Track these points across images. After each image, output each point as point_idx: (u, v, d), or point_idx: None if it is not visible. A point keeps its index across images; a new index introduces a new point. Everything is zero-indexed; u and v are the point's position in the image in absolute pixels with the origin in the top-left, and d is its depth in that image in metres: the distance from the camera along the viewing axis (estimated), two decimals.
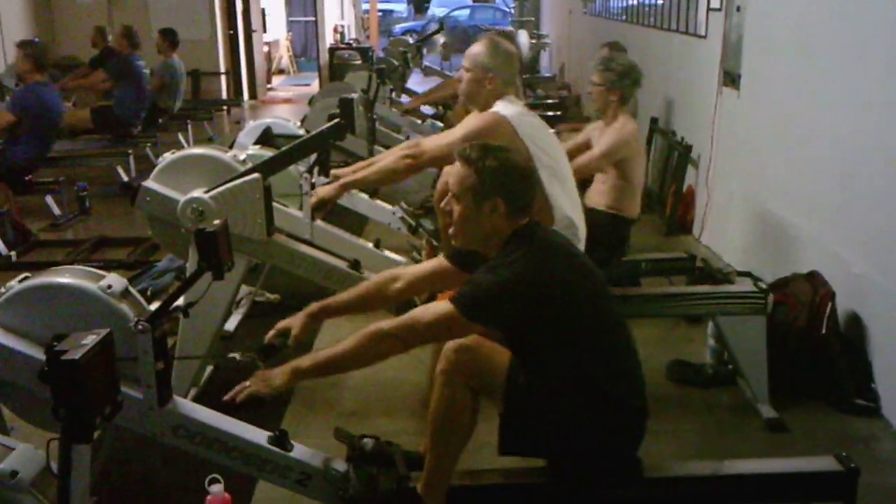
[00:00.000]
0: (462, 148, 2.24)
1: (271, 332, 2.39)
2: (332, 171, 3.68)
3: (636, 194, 3.90)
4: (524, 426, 2.11)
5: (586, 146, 3.96)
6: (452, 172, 2.19)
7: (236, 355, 2.48)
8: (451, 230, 2.23)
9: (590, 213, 3.57)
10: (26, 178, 6.12)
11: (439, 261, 2.51)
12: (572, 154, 3.91)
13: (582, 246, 2.94)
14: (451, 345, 2.12)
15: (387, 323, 2.16)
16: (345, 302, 2.53)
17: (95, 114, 7.25)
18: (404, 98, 8.36)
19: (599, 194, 3.88)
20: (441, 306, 2.10)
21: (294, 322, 2.40)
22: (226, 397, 2.16)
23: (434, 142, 3.37)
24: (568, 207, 2.97)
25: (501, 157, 2.17)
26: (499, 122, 3.05)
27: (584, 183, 3.91)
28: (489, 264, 2.12)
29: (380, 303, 2.61)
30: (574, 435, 2.10)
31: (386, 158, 3.46)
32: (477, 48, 3.21)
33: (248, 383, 2.16)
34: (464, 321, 2.05)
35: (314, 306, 2.46)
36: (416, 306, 2.51)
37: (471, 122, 3.24)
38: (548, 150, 3.02)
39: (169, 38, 8.33)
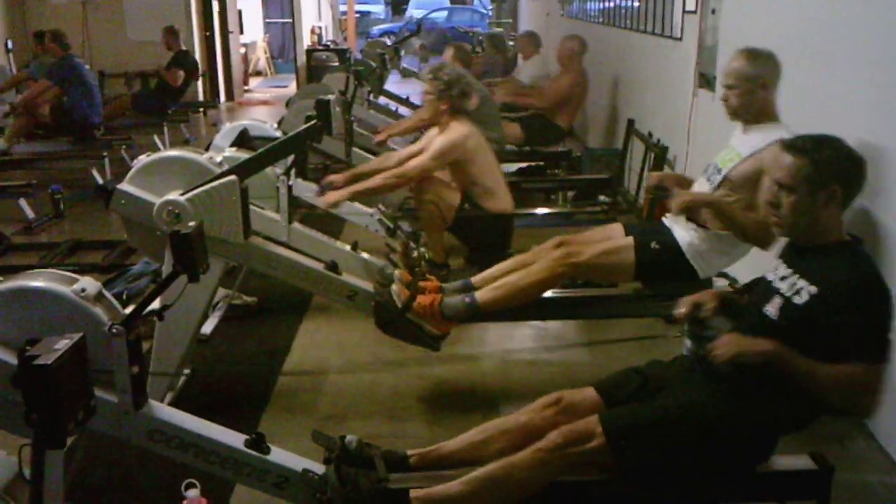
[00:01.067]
0: (788, 140, 2.24)
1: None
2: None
3: (495, 191, 4.22)
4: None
5: (420, 152, 4.29)
6: (780, 165, 2.18)
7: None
8: (777, 221, 2.21)
9: (473, 210, 4.21)
10: None
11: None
12: (409, 159, 4.28)
13: None
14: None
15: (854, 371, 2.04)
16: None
17: (53, 112, 7.16)
18: (382, 100, 8.34)
19: (477, 194, 4.23)
20: (861, 368, 2.02)
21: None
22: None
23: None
24: None
25: (835, 144, 2.17)
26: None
27: None
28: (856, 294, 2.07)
29: None
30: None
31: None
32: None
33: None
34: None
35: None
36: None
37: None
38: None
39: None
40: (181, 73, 8.60)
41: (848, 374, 2.01)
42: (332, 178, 4.34)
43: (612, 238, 3.28)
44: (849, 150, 2.18)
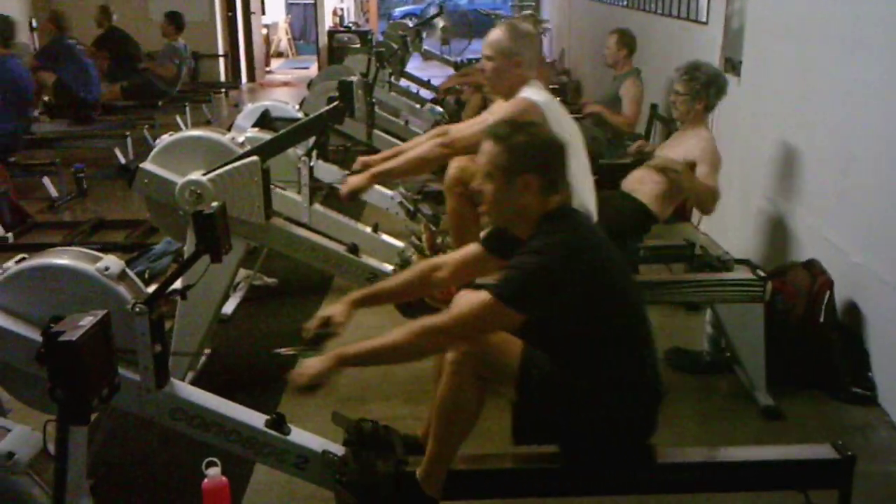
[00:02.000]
0: (491, 126, 2.22)
1: (313, 322, 2.35)
2: (360, 159, 3.54)
3: (674, 201, 3.72)
4: (539, 415, 2.10)
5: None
6: (482, 152, 2.16)
7: (284, 350, 2.46)
8: (483, 209, 2.20)
9: (623, 197, 3.66)
10: (10, 158, 6.07)
11: (473, 247, 2.46)
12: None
13: None
14: None
15: (433, 318, 2.11)
16: (387, 290, 2.50)
17: (55, 91, 7.21)
18: (403, 82, 8.32)
19: (642, 184, 3.68)
20: (481, 296, 2.05)
21: (336, 310, 2.36)
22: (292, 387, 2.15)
23: (465, 129, 3.36)
24: (585, 196, 2.97)
25: (531, 132, 2.15)
26: (530, 107, 3.02)
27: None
28: (529, 247, 2.07)
29: (424, 291, 2.59)
30: (591, 421, 2.10)
31: (417, 148, 3.42)
32: (496, 34, 3.14)
33: (297, 373, 2.14)
34: (505, 310, 2.01)
35: (356, 294, 2.42)
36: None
37: (501, 108, 3.22)
38: (569, 139, 2.99)
39: (175, 21, 8.40)
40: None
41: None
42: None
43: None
44: (544, 136, 2.15)
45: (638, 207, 3.59)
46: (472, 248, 2.47)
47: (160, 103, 8.19)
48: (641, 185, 3.65)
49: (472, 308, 2.06)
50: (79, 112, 7.29)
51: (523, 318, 2.04)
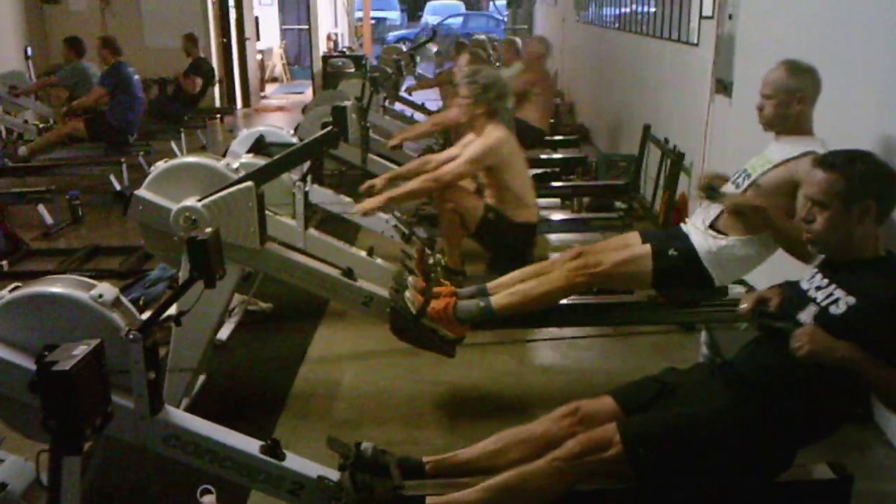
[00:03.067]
0: (821, 156, 2.23)
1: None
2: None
3: (522, 199, 4.20)
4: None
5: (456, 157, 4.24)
6: (812, 181, 2.17)
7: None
8: (810, 237, 2.20)
9: (498, 218, 4.17)
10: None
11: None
12: (443, 163, 4.24)
13: None
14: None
15: None
16: None
17: (90, 122, 7.24)
18: (397, 106, 8.36)
19: (499, 202, 4.20)
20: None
21: None
22: None
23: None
24: None
25: (868, 159, 2.16)
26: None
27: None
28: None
29: None
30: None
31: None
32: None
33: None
34: None
35: None
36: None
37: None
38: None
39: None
40: (199, 80, 8.64)
41: None
42: (372, 182, 4.33)
43: (629, 246, 3.27)
44: (882, 165, 2.17)
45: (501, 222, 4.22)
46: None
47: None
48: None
49: None
50: (115, 139, 7.30)
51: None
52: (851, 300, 2.08)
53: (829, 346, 2.00)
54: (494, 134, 4.11)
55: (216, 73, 9.57)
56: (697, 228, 3.18)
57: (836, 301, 2.11)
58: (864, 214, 2.11)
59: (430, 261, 3.40)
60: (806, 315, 2.16)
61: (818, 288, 2.19)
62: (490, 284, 3.32)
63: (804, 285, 2.26)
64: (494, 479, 2.15)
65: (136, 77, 7.53)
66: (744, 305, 2.38)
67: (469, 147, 4.18)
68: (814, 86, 3.05)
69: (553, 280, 3.13)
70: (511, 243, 4.20)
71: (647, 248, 3.18)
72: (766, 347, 2.23)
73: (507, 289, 3.22)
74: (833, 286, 2.15)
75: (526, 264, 3.49)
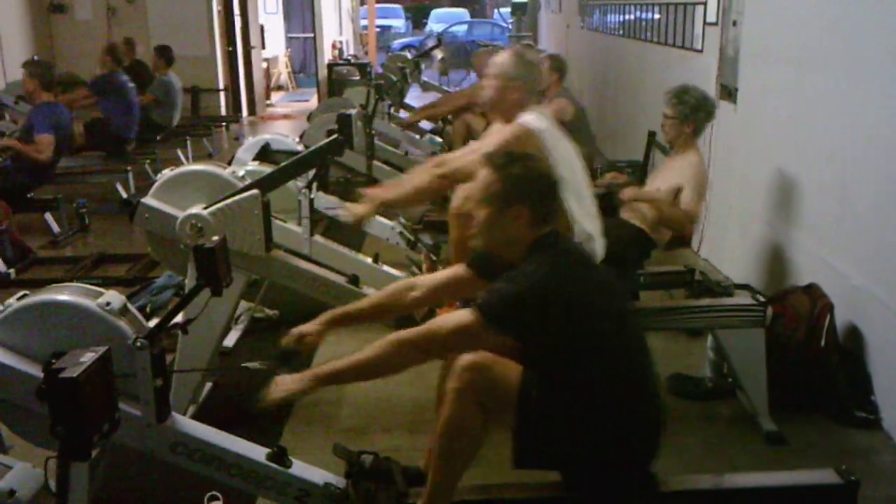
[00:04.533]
0: (489, 153, 2.25)
1: (287, 338, 2.39)
2: (364, 191, 3.58)
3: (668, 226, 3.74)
4: (538, 439, 2.10)
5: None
6: (478, 177, 2.20)
7: (253, 364, 2.47)
8: (473, 232, 2.23)
9: (622, 226, 3.69)
10: (28, 195, 6.13)
11: (458, 268, 2.50)
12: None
13: (599, 260, 2.95)
14: (462, 362, 2.10)
15: (407, 332, 2.14)
16: (361, 310, 2.53)
17: (88, 129, 7.26)
18: (402, 113, 8.38)
19: (634, 212, 3.74)
20: (461, 315, 2.10)
21: (309, 328, 2.41)
22: (258, 405, 2.17)
23: (461, 159, 3.38)
24: (586, 222, 3.01)
25: (528, 164, 2.19)
26: (528, 134, 3.08)
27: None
28: (511, 273, 2.12)
29: (397, 311, 2.61)
30: (589, 447, 2.10)
31: (416, 177, 3.49)
32: (502, 57, 3.24)
33: (269, 390, 2.15)
34: (484, 329, 2.05)
35: (330, 314, 2.47)
36: (416, 322, 2.51)
37: (499, 133, 3.26)
38: (568, 165, 3.05)
39: (164, 55, 8.39)
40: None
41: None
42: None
43: None
44: (540, 170, 2.19)
45: (636, 233, 3.61)
46: (456, 269, 2.51)
47: (157, 137, 8.24)
48: (633, 212, 3.70)
49: (451, 324, 2.10)
50: (115, 147, 7.31)
51: (499, 339, 2.07)
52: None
53: (286, 387, 2.16)
54: (703, 164, 3.79)
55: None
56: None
57: None
58: (516, 218, 2.13)
59: (439, 268, 3.40)
60: None
61: None
62: None
63: None
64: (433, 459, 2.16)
65: (131, 85, 7.54)
66: (285, 340, 2.43)
67: (489, 140, 3.66)
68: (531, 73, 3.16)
69: None
70: (635, 255, 3.78)
71: None
72: None
73: None
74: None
75: None
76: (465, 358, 2.09)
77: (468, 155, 3.37)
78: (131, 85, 7.54)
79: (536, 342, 2.08)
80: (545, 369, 2.09)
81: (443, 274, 2.60)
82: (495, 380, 2.08)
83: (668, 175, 3.76)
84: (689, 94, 3.78)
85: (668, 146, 3.94)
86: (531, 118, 3.12)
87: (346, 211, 3.61)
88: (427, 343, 2.13)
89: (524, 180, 2.15)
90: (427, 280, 2.56)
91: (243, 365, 2.50)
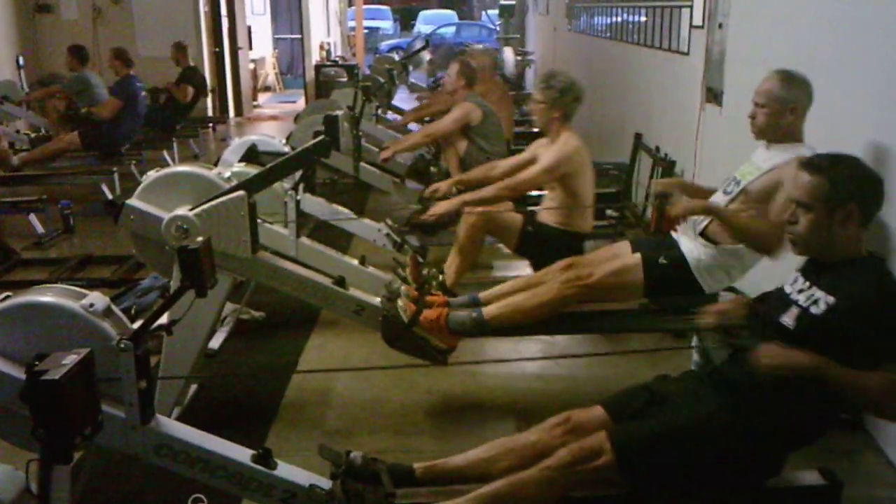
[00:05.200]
0: (807, 158, 2.25)
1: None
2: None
3: (585, 209, 4.03)
4: None
5: (530, 162, 4.08)
6: (797, 183, 2.19)
7: None
8: (793, 239, 2.22)
9: (540, 228, 3.97)
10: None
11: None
12: (516, 169, 4.06)
13: None
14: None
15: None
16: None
17: (84, 131, 7.24)
18: (390, 115, 8.37)
19: (548, 211, 4.01)
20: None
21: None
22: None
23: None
24: None
25: (852, 163, 2.18)
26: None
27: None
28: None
29: None
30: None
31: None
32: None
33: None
34: None
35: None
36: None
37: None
38: None
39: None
40: (190, 90, 8.63)
41: (893, 380, 1.97)
42: (437, 186, 4.36)
43: (620, 256, 3.28)
44: (866, 169, 2.19)
45: (553, 233, 4.04)
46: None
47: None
48: (546, 211, 4.05)
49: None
50: (110, 149, 7.37)
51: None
52: (831, 300, 2.11)
53: (789, 359, 2.03)
54: (572, 142, 3.95)
55: (208, 82, 9.49)
56: (688, 236, 3.19)
57: (816, 301, 2.14)
58: (847, 218, 2.13)
59: (426, 271, 3.40)
60: (789, 317, 2.18)
61: (800, 291, 2.22)
62: (482, 294, 3.33)
63: (787, 289, 2.29)
64: (486, 487, 2.15)
65: (143, 94, 7.64)
66: (706, 319, 2.39)
67: (545, 155, 3.99)
68: (807, 97, 3.08)
69: (545, 292, 3.14)
70: (563, 253, 3.86)
71: (638, 257, 3.19)
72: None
73: (499, 300, 3.23)
74: (814, 288, 2.18)
75: None
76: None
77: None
78: (144, 93, 7.68)
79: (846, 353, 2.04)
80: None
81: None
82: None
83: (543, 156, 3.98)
84: (556, 78, 3.95)
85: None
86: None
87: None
88: None
89: (853, 179, 2.14)
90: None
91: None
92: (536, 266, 4.01)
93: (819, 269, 2.22)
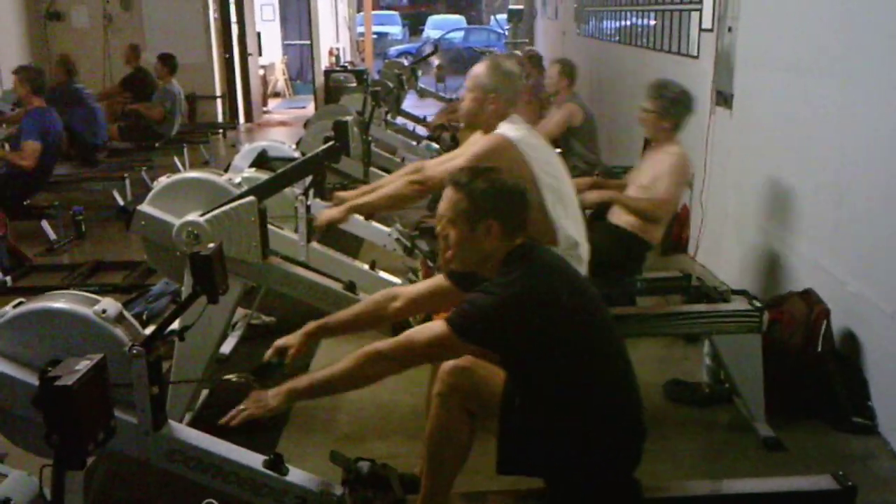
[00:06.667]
0: (452, 173, 2.25)
1: (269, 351, 2.39)
2: (337, 194, 3.69)
3: (661, 221, 3.76)
4: (521, 446, 2.11)
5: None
6: (445, 197, 2.19)
7: (232, 377, 2.47)
8: (447, 255, 2.22)
9: (612, 230, 3.71)
10: (25, 202, 6.13)
11: (438, 279, 2.49)
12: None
13: (584, 266, 2.93)
14: (446, 367, 2.12)
15: (382, 343, 2.15)
16: (343, 320, 2.52)
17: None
18: (399, 120, 8.38)
19: (619, 214, 3.76)
20: (436, 326, 2.10)
21: (291, 340, 2.39)
22: (221, 421, 2.15)
23: (439, 166, 3.35)
24: (571, 228, 2.95)
25: (491, 178, 2.18)
26: (504, 145, 2.99)
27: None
28: (485, 284, 2.11)
29: (378, 321, 2.60)
30: (571, 455, 2.09)
31: (392, 184, 3.47)
32: (478, 69, 3.17)
33: (243, 406, 2.15)
34: (458, 341, 2.05)
35: (312, 325, 2.46)
36: (411, 327, 2.51)
37: (475, 144, 3.20)
38: (551, 172, 2.99)
39: (168, 63, 8.43)
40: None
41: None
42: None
43: None
44: (504, 182, 2.18)
45: (626, 236, 3.64)
46: (433, 281, 2.51)
47: (157, 145, 8.25)
48: (620, 215, 3.72)
49: (425, 336, 2.10)
50: (85, 155, 7.39)
51: (476, 348, 2.08)
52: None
53: (262, 402, 2.16)
54: (685, 158, 3.80)
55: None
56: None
57: None
58: (487, 233, 2.12)
59: (435, 274, 3.39)
60: None
61: None
62: None
63: None
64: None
65: (88, 91, 7.72)
66: (268, 353, 2.40)
67: (661, 176, 3.73)
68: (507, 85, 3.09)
69: None
70: (631, 258, 3.79)
71: None
72: None
73: None
74: None
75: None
76: (449, 363, 2.12)
77: (446, 164, 3.33)
78: (88, 91, 7.67)
79: (513, 352, 2.09)
80: (526, 377, 2.10)
81: (424, 284, 2.58)
82: (479, 384, 2.11)
83: (646, 168, 3.80)
84: (668, 88, 3.83)
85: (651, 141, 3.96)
86: (507, 128, 3.04)
87: (317, 215, 3.51)
88: (402, 354, 2.13)
89: (490, 194, 2.14)
90: (409, 290, 2.55)
91: (224, 377, 2.50)
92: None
93: (476, 279, 2.20)
